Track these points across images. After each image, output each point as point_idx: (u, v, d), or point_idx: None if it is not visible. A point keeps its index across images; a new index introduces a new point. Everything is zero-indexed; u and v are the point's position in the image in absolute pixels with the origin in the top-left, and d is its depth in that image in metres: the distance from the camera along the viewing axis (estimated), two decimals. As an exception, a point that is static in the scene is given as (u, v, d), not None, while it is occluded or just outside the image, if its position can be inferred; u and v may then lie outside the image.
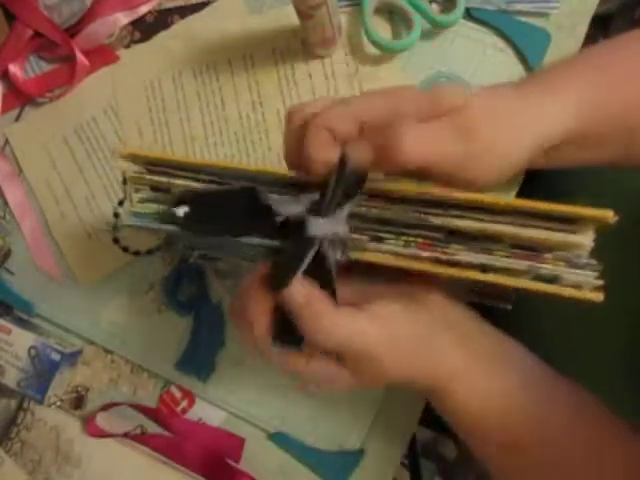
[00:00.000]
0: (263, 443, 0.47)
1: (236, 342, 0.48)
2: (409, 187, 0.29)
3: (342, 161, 0.29)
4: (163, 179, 0.33)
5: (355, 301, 0.32)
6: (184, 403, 0.48)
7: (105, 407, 0.49)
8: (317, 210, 0.29)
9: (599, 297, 0.27)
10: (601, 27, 1.01)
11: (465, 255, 0.29)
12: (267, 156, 0.49)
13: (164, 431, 0.47)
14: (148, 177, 0.33)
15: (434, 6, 0.47)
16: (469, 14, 0.47)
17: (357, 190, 0.30)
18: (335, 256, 0.30)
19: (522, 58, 0.46)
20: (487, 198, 0.29)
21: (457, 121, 0.30)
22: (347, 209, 0.30)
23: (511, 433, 0.32)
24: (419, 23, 0.46)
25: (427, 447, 0.94)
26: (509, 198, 0.30)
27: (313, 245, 0.29)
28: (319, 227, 0.29)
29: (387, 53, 0.47)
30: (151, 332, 0.49)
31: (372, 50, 0.48)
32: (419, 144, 0.29)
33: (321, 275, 0.30)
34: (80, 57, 0.52)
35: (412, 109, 0.30)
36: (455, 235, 0.29)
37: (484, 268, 0.29)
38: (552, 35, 0.46)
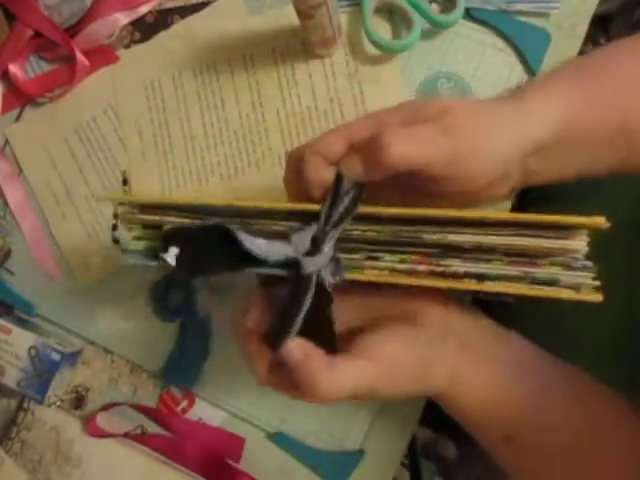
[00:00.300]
0: (263, 443, 0.47)
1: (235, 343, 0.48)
2: (401, 209, 0.30)
3: (338, 177, 0.30)
4: (154, 217, 0.33)
5: (355, 323, 0.33)
6: (184, 403, 0.48)
7: (105, 407, 0.49)
8: (314, 242, 0.30)
9: (598, 298, 0.28)
10: (601, 27, 1.01)
11: (461, 266, 0.29)
12: (267, 156, 0.49)
13: (164, 431, 0.47)
14: (139, 216, 0.34)
15: (434, 6, 0.47)
16: (469, 14, 0.47)
17: (356, 204, 0.30)
18: (331, 281, 0.30)
19: (522, 58, 0.46)
20: (479, 213, 0.29)
21: (441, 122, 0.30)
22: (341, 229, 0.30)
23: (510, 425, 0.33)
24: (419, 23, 0.46)
25: (427, 447, 0.94)
26: (501, 212, 0.31)
27: (310, 284, 0.29)
28: (314, 263, 0.29)
29: (387, 53, 0.47)
30: (150, 332, 0.49)
31: (372, 50, 0.48)
32: (405, 144, 0.29)
33: (321, 308, 0.30)
34: (80, 57, 0.52)
35: (396, 119, 0.31)
36: (449, 248, 0.30)
37: (480, 277, 0.29)
38: (552, 35, 0.46)
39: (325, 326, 0.31)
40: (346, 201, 0.30)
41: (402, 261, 0.30)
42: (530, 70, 0.46)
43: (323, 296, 0.30)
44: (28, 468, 0.49)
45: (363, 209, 0.30)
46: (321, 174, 0.31)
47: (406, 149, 0.29)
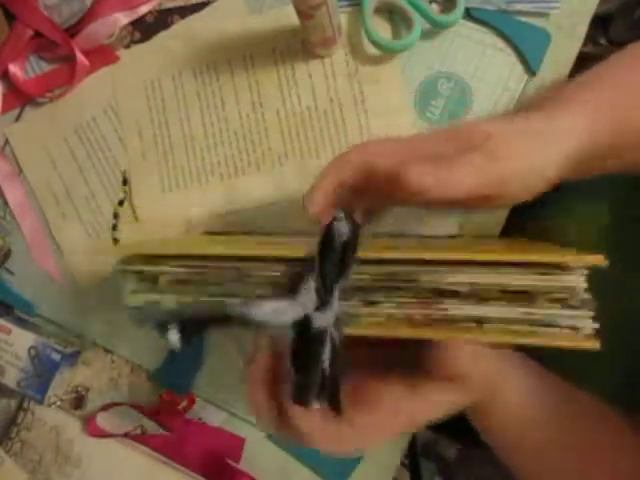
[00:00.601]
0: (263, 443, 0.47)
1: (235, 343, 0.48)
2: (396, 251, 0.30)
3: (329, 226, 0.29)
4: (148, 268, 0.32)
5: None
6: (184, 403, 0.48)
7: (105, 407, 0.49)
8: (320, 297, 0.29)
9: (595, 345, 0.27)
10: (601, 27, 1.01)
11: (459, 308, 0.29)
12: (267, 156, 0.49)
13: (164, 431, 0.47)
14: (131, 268, 0.33)
15: (434, 6, 0.47)
16: (469, 14, 0.47)
17: (354, 251, 0.29)
18: (336, 337, 0.29)
19: (522, 58, 0.46)
20: (479, 256, 0.29)
21: (486, 149, 0.31)
22: (342, 283, 0.29)
23: (516, 437, 0.34)
24: (419, 23, 0.46)
25: (427, 447, 0.94)
26: (497, 252, 0.31)
27: (325, 338, 0.29)
28: (323, 318, 0.29)
29: (387, 53, 0.47)
30: (150, 332, 0.49)
31: (372, 50, 0.48)
32: (467, 177, 0.30)
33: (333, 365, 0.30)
34: (80, 57, 0.52)
35: (441, 148, 0.32)
36: (447, 292, 0.29)
37: (479, 321, 0.29)
38: (552, 35, 0.46)
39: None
40: (339, 250, 0.29)
41: (399, 306, 0.29)
42: (530, 70, 0.46)
43: (333, 352, 0.29)
44: (28, 468, 0.49)
45: (362, 254, 0.30)
46: (325, 199, 0.32)
47: (468, 180, 0.30)
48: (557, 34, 0.46)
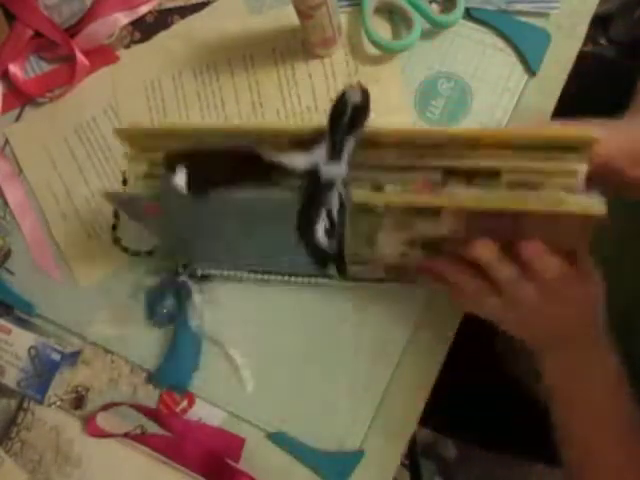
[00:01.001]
0: (263, 443, 0.47)
1: (235, 344, 0.48)
2: (405, 131, 0.31)
3: (342, 96, 0.31)
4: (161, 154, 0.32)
5: None
6: (184, 403, 0.48)
7: (105, 407, 0.49)
8: (331, 150, 0.30)
9: (602, 210, 0.28)
10: (601, 27, 1.01)
11: (464, 190, 0.30)
12: (267, 156, 0.49)
13: (164, 431, 0.47)
14: (145, 154, 0.33)
15: (434, 6, 0.47)
16: (469, 14, 0.47)
17: (361, 120, 0.31)
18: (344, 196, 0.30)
19: (522, 58, 0.46)
20: (475, 132, 0.30)
21: None
22: (351, 147, 0.30)
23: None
24: (419, 23, 0.46)
25: (427, 447, 0.94)
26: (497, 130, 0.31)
27: (333, 188, 0.30)
28: (333, 170, 0.30)
29: (387, 53, 0.48)
30: (149, 332, 0.49)
31: (372, 50, 0.48)
32: None
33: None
34: (80, 57, 0.52)
35: None
36: (452, 174, 0.30)
37: (481, 199, 0.30)
38: (552, 35, 0.46)
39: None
40: (350, 112, 0.31)
41: (404, 186, 0.31)
42: (530, 70, 0.46)
43: (341, 207, 0.30)
44: (28, 468, 0.49)
45: (372, 130, 0.31)
46: None
47: None
48: (557, 34, 0.46)
